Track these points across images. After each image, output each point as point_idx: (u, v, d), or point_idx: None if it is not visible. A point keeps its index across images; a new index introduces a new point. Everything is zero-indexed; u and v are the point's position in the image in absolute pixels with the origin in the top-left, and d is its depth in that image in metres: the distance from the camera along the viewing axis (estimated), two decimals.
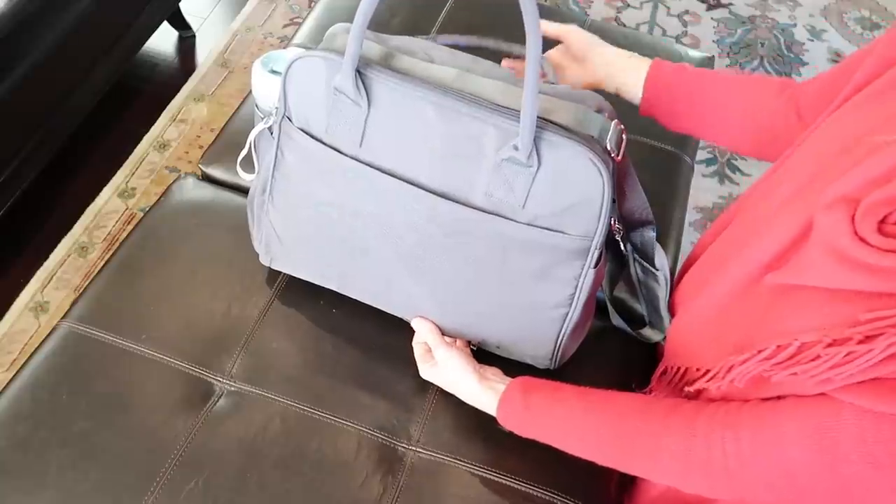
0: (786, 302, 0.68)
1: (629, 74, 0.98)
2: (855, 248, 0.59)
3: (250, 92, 1.24)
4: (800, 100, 0.89)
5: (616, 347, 1.04)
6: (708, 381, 0.76)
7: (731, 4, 2.44)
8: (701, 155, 2.01)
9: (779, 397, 0.68)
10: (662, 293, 0.95)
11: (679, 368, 0.87)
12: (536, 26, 0.68)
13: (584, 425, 0.81)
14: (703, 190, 1.98)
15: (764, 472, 0.68)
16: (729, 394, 0.74)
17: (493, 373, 0.90)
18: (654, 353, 1.04)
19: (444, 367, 0.91)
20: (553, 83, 0.88)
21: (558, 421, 0.83)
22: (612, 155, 0.77)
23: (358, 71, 0.78)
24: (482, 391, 0.88)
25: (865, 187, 0.60)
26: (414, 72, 0.80)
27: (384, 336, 0.99)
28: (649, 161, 1.26)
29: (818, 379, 0.62)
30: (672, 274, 1.01)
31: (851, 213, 0.60)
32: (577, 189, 0.78)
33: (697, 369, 0.82)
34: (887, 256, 0.57)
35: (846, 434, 0.62)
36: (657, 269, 0.94)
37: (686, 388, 0.81)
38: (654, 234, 0.92)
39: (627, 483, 0.98)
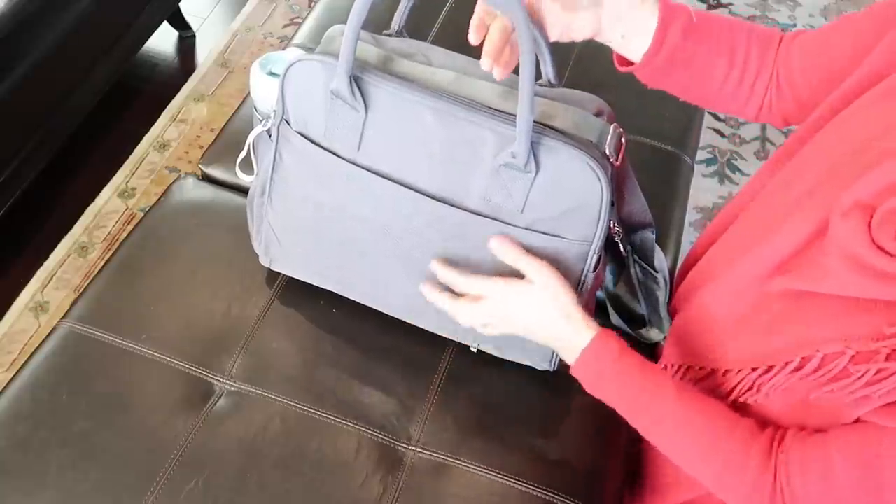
0: (801, 308, 0.67)
1: (637, 24, 0.80)
2: (872, 256, 0.58)
3: (250, 92, 1.24)
4: (780, 65, 0.84)
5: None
6: (744, 393, 0.75)
7: (731, 4, 2.44)
8: (701, 155, 2.01)
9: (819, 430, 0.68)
10: (662, 295, 0.95)
11: (680, 367, 0.87)
12: (528, 32, 0.68)
13: (665, 409, 0.75)
14: (703, 190, 1.98)
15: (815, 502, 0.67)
16: (765, 406, 0.73)
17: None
18: (653, 353, 1.04)
19: (540, 280, 0.78)
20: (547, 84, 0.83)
21: (643, 392, 0.76)
22: (611, 160, 0.77)
23: (354, 76, 0.78)
24: (579, 320, 0.77)
25: (882, 194, 0.59)
26: (412, 75, 0.80)
27: (384, 336, 0.99)
28: (649, 161, 1.26)
29: (855, 396, 0.62)
30: (672, 275, 1.01)
31: (868, 221, 0.59)
32: (576, 194, 0.78)
33: (701, 368, 0.82)
34: None
35: (890, 461, 0.61)
36: (656, 272, 0.94)
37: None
38: (654, 236, 0.92)
39: (641, 491, 0.98)
